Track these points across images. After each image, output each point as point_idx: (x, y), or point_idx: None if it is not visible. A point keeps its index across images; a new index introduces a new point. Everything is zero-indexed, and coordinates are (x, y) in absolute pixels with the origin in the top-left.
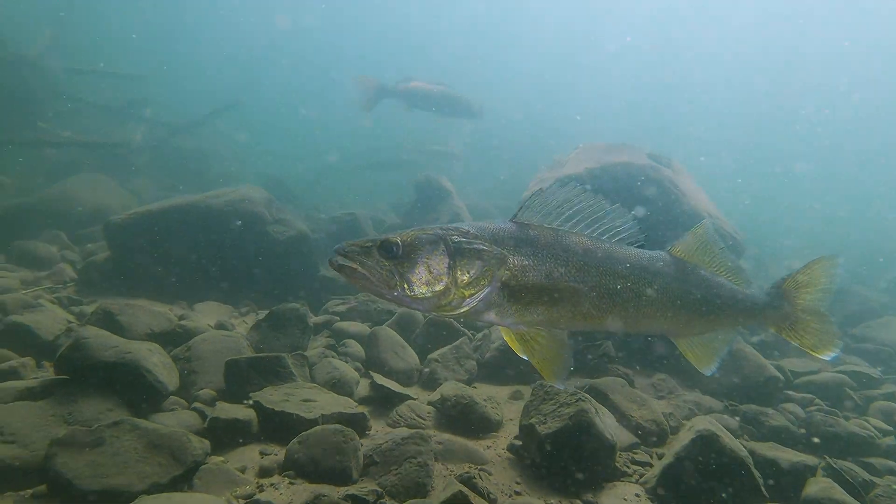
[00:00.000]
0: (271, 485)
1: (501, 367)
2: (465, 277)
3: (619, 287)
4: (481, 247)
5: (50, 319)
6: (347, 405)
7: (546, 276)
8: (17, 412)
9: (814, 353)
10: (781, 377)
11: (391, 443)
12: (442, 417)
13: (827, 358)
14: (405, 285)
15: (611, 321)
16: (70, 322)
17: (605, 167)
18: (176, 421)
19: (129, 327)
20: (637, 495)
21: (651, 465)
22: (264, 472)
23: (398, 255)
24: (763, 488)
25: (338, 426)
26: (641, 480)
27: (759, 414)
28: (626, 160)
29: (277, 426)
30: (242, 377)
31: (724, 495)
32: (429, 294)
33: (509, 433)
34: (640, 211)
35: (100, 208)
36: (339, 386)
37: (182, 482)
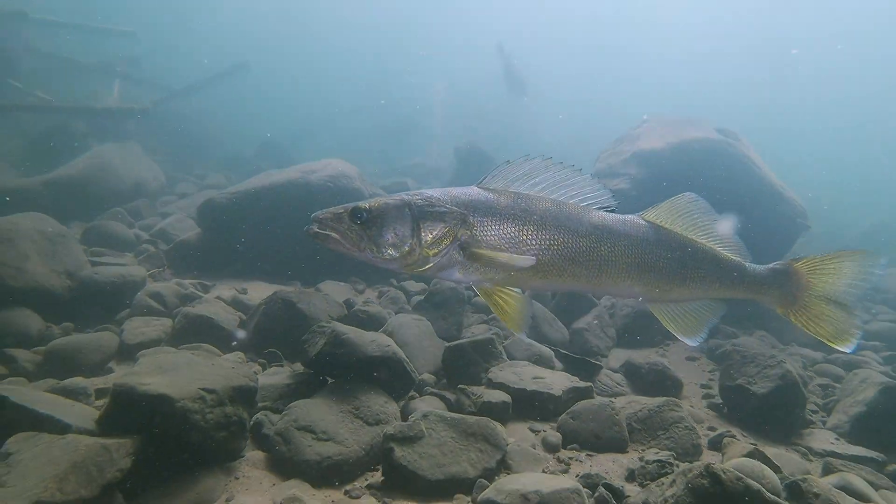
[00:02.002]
0: (570, 458)
1: (633, 333)
2: (429, 238)
3: (578, 247)
4: (443, 209)
5: (220, 309)
6: (573, 380)
7: (504, 236)
8: (312, 411)
9: (829, 343)
10: None
11: (646, 410)
12: (635, 383)
13: (845, 350)
14: (374, 247)
15: (573, 281)
16: (237, 312)
17: (685, 142)
18: (429, 406)
19: (311, 315)
20: (837, 439)
21: (816, 412)
22: (551, 447)
23: (366, 221)
24: None
25: (603, 399)
26: (829, 427)
27: (861, 363)
28: (702, 136)
29: (529, 403)
30: (467, 359)
31: None
32: (395, 255)
33: (690, 393)
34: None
35: (139, 182)
36: (541, 361)
37: (503, 465)
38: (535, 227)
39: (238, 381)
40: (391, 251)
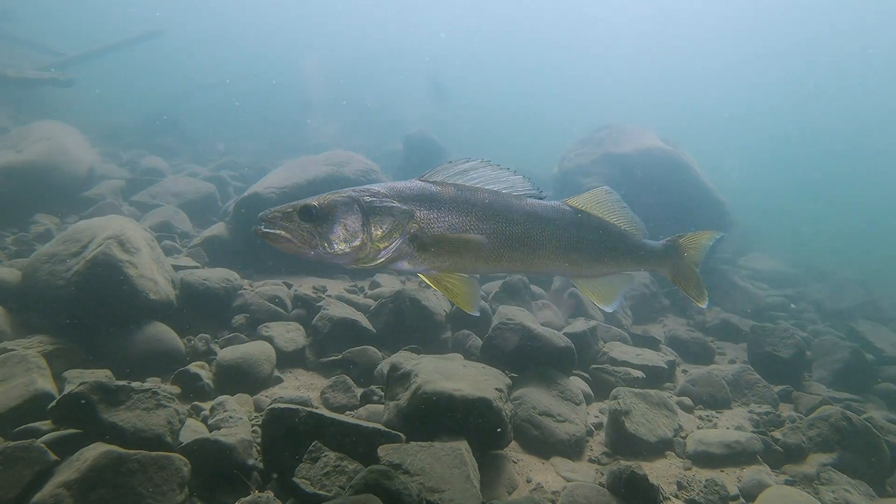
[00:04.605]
0: (707, 416)
1: (636, 312)
2: (379, 232)
3: (516, 233)
4: (391, 204)
5: (348, 310)
6: (660, 354)
7: (449, 226)
8: (539, 398)
9: (696, 302)
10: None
11: (731, 375)
12: (683, 353)
13: (704, 306)
14: (325, 244)
15: (511, 264)
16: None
17: (649, 149)
18: (577, 384)
19: (433, 310)
20: (828, 388)
21: None
22: (687, 408)
23: (317, 218)
24: None
25: (711, 368)
26: (816, 379)
27: (795, 333)
28: (660, 144)
29: (652, 375)
30: (587, 343)
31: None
32: (347, 249)
33: (716, 360)
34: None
35: (92, 166)
36: (623, 340)
37: (679, 425)
38: (477, 217)
39: (504, 379)
40: (342, 246)
